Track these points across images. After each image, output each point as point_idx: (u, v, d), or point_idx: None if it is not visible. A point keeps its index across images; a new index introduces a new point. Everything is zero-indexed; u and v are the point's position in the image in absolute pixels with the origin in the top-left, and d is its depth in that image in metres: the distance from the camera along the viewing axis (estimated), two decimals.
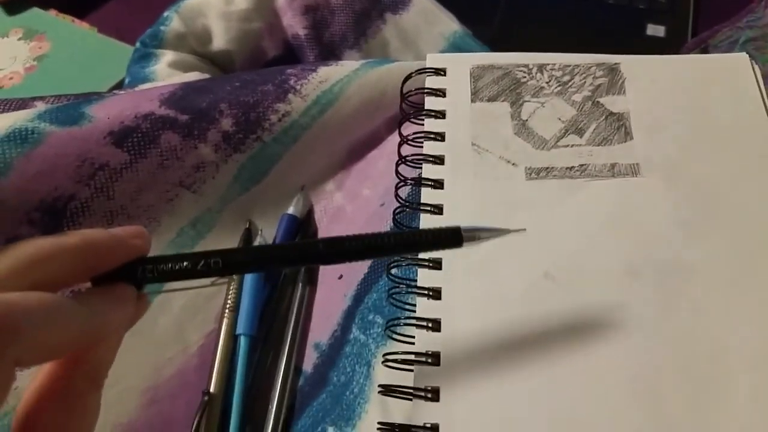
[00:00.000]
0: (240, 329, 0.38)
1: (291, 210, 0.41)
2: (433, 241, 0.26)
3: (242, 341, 0.38)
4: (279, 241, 0.40)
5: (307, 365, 0.37)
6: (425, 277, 0.33)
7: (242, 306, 0.38)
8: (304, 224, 0.42)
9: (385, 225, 0.38)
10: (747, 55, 0.38)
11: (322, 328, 0.38)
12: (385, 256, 0.32)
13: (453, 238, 0.26)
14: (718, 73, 0.38)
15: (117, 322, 0.24)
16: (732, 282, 0.31)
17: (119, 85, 0.53)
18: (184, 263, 0.23)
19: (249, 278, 0.39)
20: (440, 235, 0.26)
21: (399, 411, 0.31)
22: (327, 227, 0.42)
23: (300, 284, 0.39)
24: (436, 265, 0.33)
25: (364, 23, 0.50)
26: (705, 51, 0.46)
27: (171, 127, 0.39)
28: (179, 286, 0.24)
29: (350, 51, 0.50)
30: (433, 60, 0.40)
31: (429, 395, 0.29)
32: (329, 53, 0.50)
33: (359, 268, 0.38)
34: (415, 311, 0.33)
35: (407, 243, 0.26)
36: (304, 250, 0.26)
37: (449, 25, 0.51)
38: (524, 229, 0.28)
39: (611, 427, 0.29)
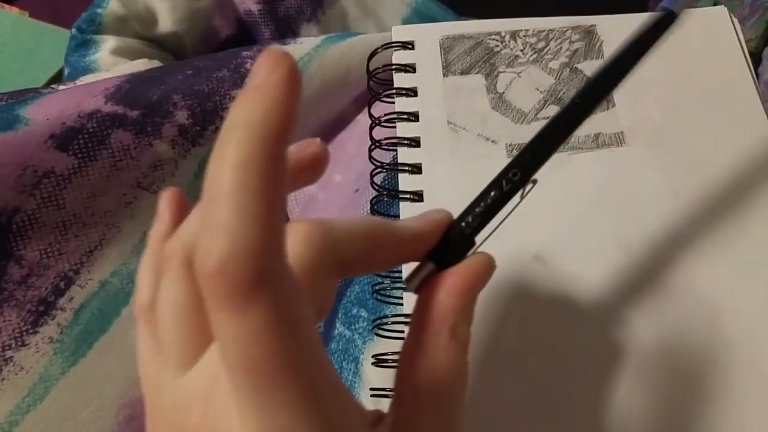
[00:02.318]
0: None
1: None
2: (651, 37, 0.24)
3: None
4: None
5: None
6: (410, 269, 0.31)
7: None
8: None
9: (360, 212, 0.36)
10: (725, 8, 0.36)
11: None
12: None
13: (668, 19, 0.24)
14: (697, 28, 0.36)
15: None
16: (723, 249, 0.30)
17: (58, 76, 0.49)
18: (490, 196, 0.23)
19: None
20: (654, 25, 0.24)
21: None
22: (299, 218, 0.39)
23: None
24: None
25: None
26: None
27: (121, 125, 0.36)
28: (500, 219, 0.23)
29: (307, 24, 0.47)
30: (398, 33, 0.37)
31: None
32: (286, 28, 0.47)
33: None
34: (401, 304, 0.31)
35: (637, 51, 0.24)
36: (569, 113, 0.23)
37: None
38: None
39: (609, 407, 0.28)
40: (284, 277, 0.16)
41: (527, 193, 0.23)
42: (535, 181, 0.23)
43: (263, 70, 0.16)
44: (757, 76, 0.43)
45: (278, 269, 0.16)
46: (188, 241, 0.21)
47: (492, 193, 0.23)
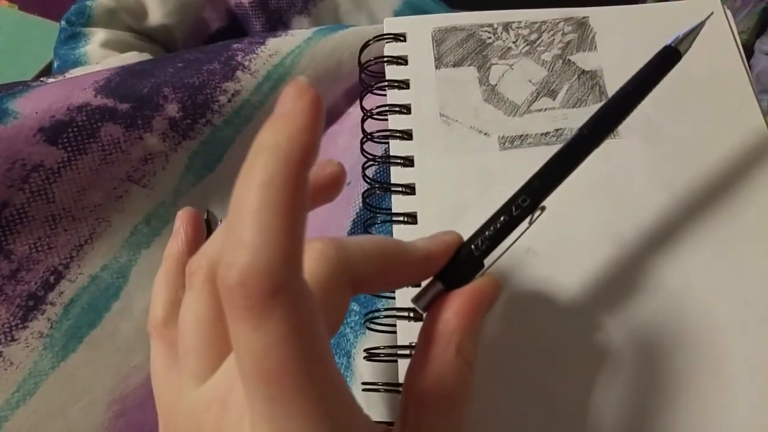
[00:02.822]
0: None
1: None
2: (655, 74, 0.26)
3: None
4: None
5: None
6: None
7: None
8: None
9: (353, 206, 0.36)
10: (718, 0, 0.36)
11: None
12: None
13: (673, 57, 0.26)
14: (690, 17, 0.36)
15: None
16: (718, 243, 0.30)
17: (48, 70, 0.49)
18: (500, 221, 0.24)
19: None
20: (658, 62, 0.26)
21: (384, 402, 0.30)
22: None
23: None
24: None
25: None
26: None
27: (111, 118, 0.35)
28: (508, 244, 0.24)
29: (299, 17, 0.47)
30: (390, 25, 0.37)
31: None
32: (277, 21, 0.46)
33: None
34: (393, 298, 0.31)
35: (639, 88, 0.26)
36: (576, 144, 0.25)
37: None
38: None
39: (599, 399, 0.28)
40: (301, 291, 0.17)
41: (536, 219, 0.25)
42: (543, 208, 0.25)
43: (289, 99, 0.17)
44: (749, 68, 0.43)
45: (295, 284, 0.16)
46: (213, 257, 0.22)
47: (502, 218, 0.24)
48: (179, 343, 0.22)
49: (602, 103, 0.34)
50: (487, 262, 0.24)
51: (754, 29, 0.42)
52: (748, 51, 0.43)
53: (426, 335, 0.22)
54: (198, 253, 0.22)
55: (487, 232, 0.24)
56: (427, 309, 0.23)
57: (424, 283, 0.24)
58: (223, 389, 0.19)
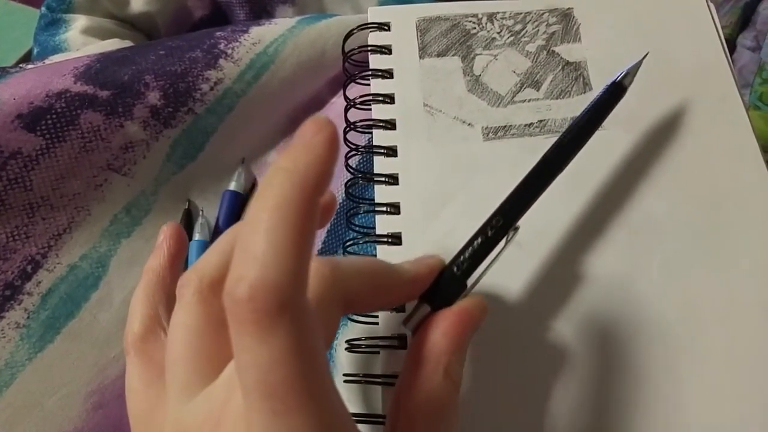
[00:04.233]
0: None
1: (232, 186, 0.38)
2: (604, 108, 0.29)
3: None
4: (222, 220, 0.37)
5: None
6: (385, 254, 0.30)
7: None
8: (248, 200, 0.39)
9: (335, 196, 0.36)
10: None
11: None
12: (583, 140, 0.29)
13: (617, 91, 0.29)
14: (674, 10, 0.36)
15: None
16: (698, 234, 0.31)
17: (28, 56, 0.48)
18: (477, 242, 0.25)
19: (193, 259, 0.36)
20: (606, 97, 0.29)
21: (366, 394, 0.30)
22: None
23: None
24: (396, 240, 0.31)
25: None
26: None
27: (91, 105, 0.35)
28: (487, 263, 0.25)
29: (283, 6, 0.47)
30: (374, 14, 0.37)
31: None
32: (261, 10, 0.46)
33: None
34: None
35: (592, 119, 0.28)
36: (542, 168, 0.27)
37: None
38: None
39: (582, 393, 0.28)
40: (305, 309, 0.17)
41: (511, 239, 0.26)
42: (517, 228, 0.26)
43: (309, 132, 0.18)
44: (732, 63, 0.44)
45: (301, 301, 0.17)
46: (206, 272, 0.22)
47: (479, 239, 0.25)
48: (167, 353, 0.22)
49: (586, 94, 0.34)
50: (469, 282, 0.25)
51: (736, 24, 0.42)
52: (731, 46, 0.43)
53: (414, 355, 0.23)
54: (190, 269, 0.23)
55: (466, 253, 0.25)
56: (415, 330, 0.24)
57: (409, 306, 0.25)
58: (217, 405, 0.19)
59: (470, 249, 0.25)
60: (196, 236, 0.36)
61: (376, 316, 0.30)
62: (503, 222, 0.26)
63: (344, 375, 0.30)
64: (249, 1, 0.46)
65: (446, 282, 0.25)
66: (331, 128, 0.18)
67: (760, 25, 0.42)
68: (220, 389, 0.20)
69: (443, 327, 0.23)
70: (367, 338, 0.29)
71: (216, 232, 0.37)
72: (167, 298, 0.26)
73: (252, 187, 0.39)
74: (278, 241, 0.16)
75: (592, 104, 0.29)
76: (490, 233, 0.25)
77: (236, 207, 0.38)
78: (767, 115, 0.39)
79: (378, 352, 0.29)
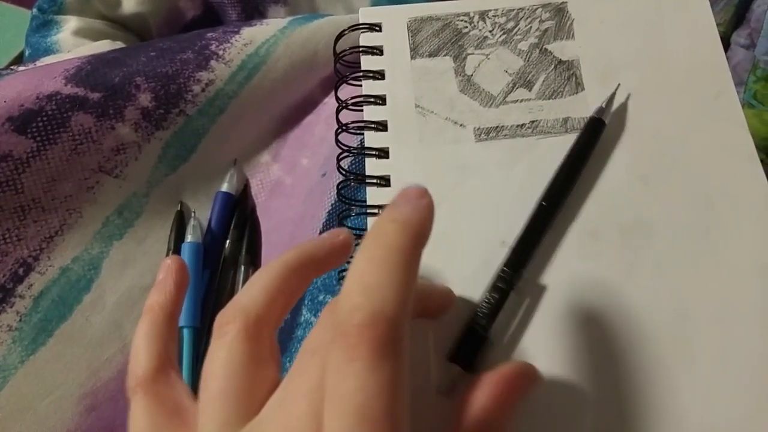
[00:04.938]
0: (182, 321, 0.35)
1: (225, 187, 0.38)
2: (588, 144, 0.31)
3: (185, 334, 0.35)
4: (215, 222, 0.37)
5: None
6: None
7: None
8: (240, 201, 0.39)
9: (327, 197, 0.36)
10: None
11: None
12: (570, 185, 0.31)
13: (597, 126, 0.31)
14: (670, 5, 0.36)
15: None
16: (691, 237, 0.30)
17: (20, 58, 0.48)
18: (491, 297, 0.28)
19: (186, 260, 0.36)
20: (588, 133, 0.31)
21: None
22: (265, 203, 0.39)
23: (242, 267, 0.37)
24: None
25: None
26: None
27: (81, 107, 0.35)
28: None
29: (275, 6, 0.46)
30: (366, 14, 0.36)
31: None
32: (253, 10, 0.46)
33: None
34: None
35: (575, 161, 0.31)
36: (539, 215, 0.30)
37: None
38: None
39: (574, 396, 0.28)
40: (407, 342, 0.18)
41: (517, 286, 0.28)
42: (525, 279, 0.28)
43: (414, 195, 0.22)
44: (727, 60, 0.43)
45: (406, 337, 0.18)
46: (252, 310, 0.22)
47: (494, 295, 0.28)
48: (203, 391, 0.21)
49: (579, 94, 0.33)
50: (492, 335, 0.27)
51: (730, 22, 0.42)
52: (725, 43, 0.43)
53: (461, 417, 0.23)
54: (232, 305, 0.22)
55: (484, 309, 0.27)
56: (450, 392, 0.26)
57: (437, 369, 0.27)
58: None
59: (486, 305, 0.27)
60: (189, 238, 0.36)
61: None
62: (513, 274, 0.28)
63: None
64: (241, 1, 0.46)
65: (469, 339, 0.27)
66: (430, 197, 0.22)
67: (754, 23, 0.41)
68: (269, 426, 0.20)
69: (490, 393, 0.24)
70: None
71: (208, 234, 0.37)
72: (173, 336, 0.25)
73: (244, 188, 0.39)
74: (397, 278, 0.18)
75: (576, 144, 0.31)
76: (503, 286, 0.28)
77: (228, 208, 0.38)
78: (761, 114, 0.39)
79: None
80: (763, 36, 0.40)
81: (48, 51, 0.43)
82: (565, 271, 0.30)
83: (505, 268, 0.28)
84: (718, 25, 0.39)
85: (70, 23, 0.44)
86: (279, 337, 0.34)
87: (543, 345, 0.28)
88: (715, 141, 0.32)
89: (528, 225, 0.29)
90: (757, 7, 0.41)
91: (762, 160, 0.38)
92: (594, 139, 0.31)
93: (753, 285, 0.29)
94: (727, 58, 0.40)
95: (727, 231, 0.30)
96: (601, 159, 0.32)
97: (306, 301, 0.34)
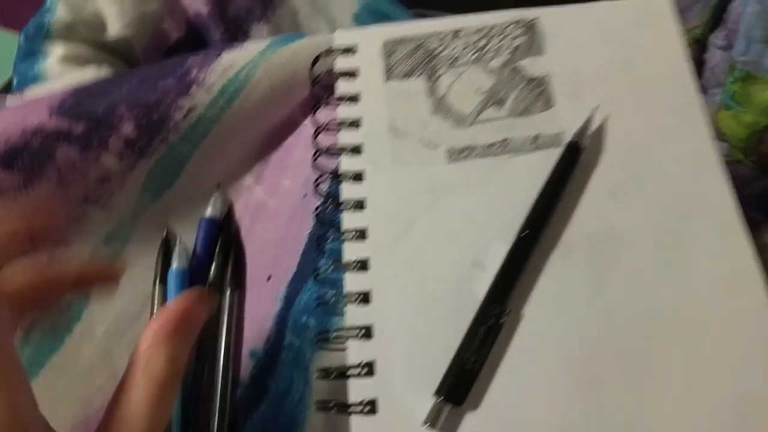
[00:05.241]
0: None
1: (209, 212, 0.39)
2: (565, 172, 0.32)
3: None
4: (200, 247, 0.38)
5: (244, 375, 0.36)
6: (353, 281, 0.31)
7: None
8: (224, 224, 0.39)
9: (309, 218, 0.37)
10: None
11: (256, 334, 0.36)
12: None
13: (575, 152, 0.32)
14: (639, 19, 0.36)
15: None
16: (659, 248, 0.31)
17: (8, 86, 0.49)
18: (480, 332, 0.29)
19: (172, 291, 0.37)
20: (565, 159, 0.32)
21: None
22: (250, 226, 0.39)
23: (228, 289, 0.38)
24: (363, 266, 0.31)
25: None
26: None
27: (66, 140, 0.36)
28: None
29: (258, 24, 0.47)
30: (341, 37, 0.37)
31: (366, 409, 0.28)
32: (236, 29, 0.46)
33: (288, 267, 0.36)
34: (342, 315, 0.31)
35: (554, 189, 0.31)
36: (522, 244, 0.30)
37: None
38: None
39: (550, 411, 0.28)
40: None
41: (503, 320, 0.29)
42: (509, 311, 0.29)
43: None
44: (703, 62, 0.43)
45: None
46: None
47: (481, 329, 0.29)
48: None
49: (549, 110, 0.34)
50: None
51: (707, 24, 0.42)
52: (702, 46, 0.43)
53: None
54: None
55: (473, 347, 0.28)
56: (435, 424, 0.28)
57: (429, 406, 0.28)
58: None
59: (475, 341, 0.28)
60: (174, 265, 0.37)
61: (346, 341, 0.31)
62: (498, 308, 0.29)
63: (316, 402, 0.30)
64: (224, 21, 0.46)
65: (459, 377, 0.28)
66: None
67: (732, 24, 0.41)
68: None
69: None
70: (335, 368, 0.30)
71: (194, 259, 0.38)
72: None
73: (228, 211, 0.40)
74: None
75: (553, 171, 0.32)
76: (490, 321, 0.29)
77: (213, 233, 0.39)
78: (739, 115, 0.39)
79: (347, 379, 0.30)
80: (741, 37, 0.40)
81: (35, 79, 0.44)
82: (537, 291, 0.30)
83: (490, 303, 0.29)
84: (695, 27, 0.40)
85: (57, 50, 0.44)
86: (264, 360, 0.35)
87: (518, 368, 0.29)
88: (683, 153, 0.32)
89: (509, 256, 0.30)
90: (734, 9, 0.41)
91: (740, 161, 0.38)
92: (571, 166, 0.32)
93: (723, 295, 0.30)
94: (705, 60, 0.41)
95: (695, 242, 0.31)
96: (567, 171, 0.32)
97: (289, 324, 0.34)
